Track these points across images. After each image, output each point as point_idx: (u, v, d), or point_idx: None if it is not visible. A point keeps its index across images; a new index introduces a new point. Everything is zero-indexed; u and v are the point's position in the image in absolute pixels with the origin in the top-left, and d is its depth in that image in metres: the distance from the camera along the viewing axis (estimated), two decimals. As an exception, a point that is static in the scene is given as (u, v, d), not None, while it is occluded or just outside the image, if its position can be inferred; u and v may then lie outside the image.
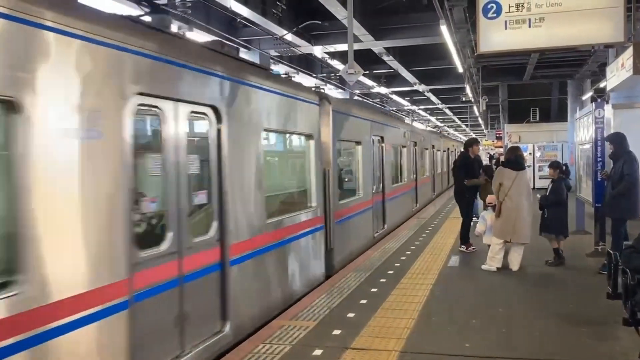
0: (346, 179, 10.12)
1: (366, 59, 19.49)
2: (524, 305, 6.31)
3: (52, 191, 3.23)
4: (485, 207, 8.66)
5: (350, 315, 5.89)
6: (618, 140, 7.77)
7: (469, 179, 9.46)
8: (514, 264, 7.94)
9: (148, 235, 4.27)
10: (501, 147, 28.58)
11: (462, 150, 10.59)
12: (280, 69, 18.48)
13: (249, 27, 14.75)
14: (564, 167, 8.77)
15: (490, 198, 8.45)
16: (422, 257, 9.07)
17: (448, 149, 27.75)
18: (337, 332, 5.34)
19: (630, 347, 4.79)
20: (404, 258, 8.97)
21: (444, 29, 11.59)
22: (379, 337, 5.16)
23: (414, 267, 8.24)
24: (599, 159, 9.10)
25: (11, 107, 3.00)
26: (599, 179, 8.90)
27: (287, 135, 7.57)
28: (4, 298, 2.92)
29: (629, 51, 8.18)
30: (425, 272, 7.94)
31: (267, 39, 16.00)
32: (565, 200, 8.42)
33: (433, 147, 21.05)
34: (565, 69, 21.08)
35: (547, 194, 8.46)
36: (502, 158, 12.55)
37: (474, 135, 56.70)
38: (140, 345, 3.88)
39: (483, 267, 8.06)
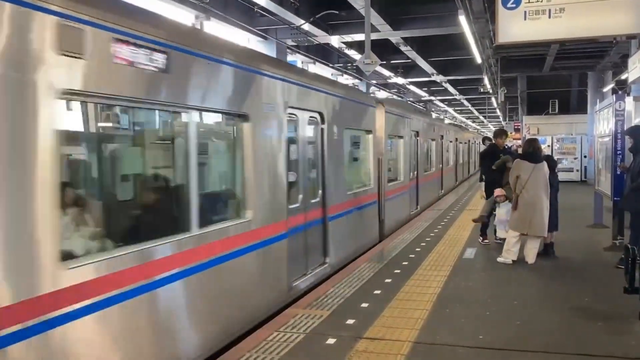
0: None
1: (383, 49, 19.40)
2: (539, 298, 6.28)
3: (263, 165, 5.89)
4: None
5: (364, 305, 5.91)
6: (638, 133, 7.66)
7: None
8: (530, 256, 7.89)
9: (291, 195, 6.52)
10: (519, 139, 28.30)
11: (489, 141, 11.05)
12: (296, 58, 18.51)
13: (266, 16, 14.74)
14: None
15: (498, 191, 8.39)
16: (437, 248, 9.06)
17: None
18: (350, 321, 5.36)
19: (647, 342, 4.77)
20: (418, 249, 8.97)
21: (462, 19, 11.49)
22: (393, 327, 5.17)
23: (428, 259, 8.24)
24: (618, 152, 8.98)
25: (244, 118, 5.49)
26: (618, 172, 8.80)
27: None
28: (244, 222, 5.43)
29: (652, 42, 8.05)
30: (440, 263, 7.93)
31: (284, 29, 15.99)
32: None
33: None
34: (585, 61, 20.77)
35: None
36: (519, 150, 12.43)
37: (492, 127, 56.31)
38: (291, 260, 6.37)
39: (499, 259, 8.03)
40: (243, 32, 14.95)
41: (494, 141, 9.93)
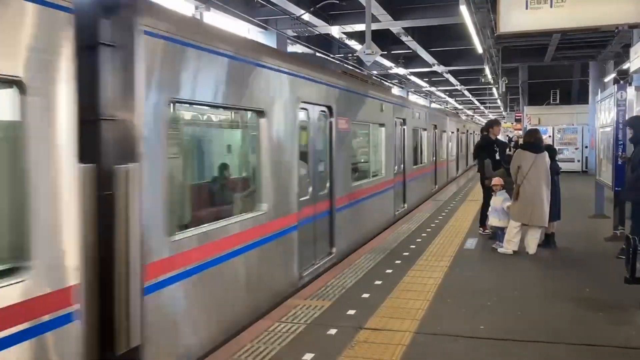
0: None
1: (384, 39, 19.31)
2: (540, 288, 6.29)
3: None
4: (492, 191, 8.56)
5: (365, 295, 5.92)
6: (638, 123, 7.64)
7: (490, 160, 9.34)
8: (531, 247, 7.90)
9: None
10: (520, 129, 28.24)
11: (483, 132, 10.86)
12: (297, 49, 18.45)
13: (266, 6, 14.67)
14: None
15: (496, 180, 8.37)
16: (438, 239, 9.06)
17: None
18: (351, 312, 5.38)
19: (647, 332, 4.78)
20: (419, 240, 8.97)
21: (463, 8, 11.40)
22: (394, 318, 5.18)
23: (429, 250, 8.24)
24: (620, 142, 8.96)
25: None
26: (619, 163, 8.78)
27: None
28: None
29: (654, 32, 8.00)
30: (440, 254, 7.93)
31: (285, 19, 15.92)
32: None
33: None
34: (587, 50, 20.65)
35: None
36: (520, 140, 12.40)
37: (492, 117, 56.17)
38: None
39: (499, 250, 8.04)
40: (243, 22, 14.89)
41: (487, 132, 9.86)
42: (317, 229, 7.39)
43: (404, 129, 12.66)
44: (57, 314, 3.22)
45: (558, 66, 24.26)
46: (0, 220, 3.20)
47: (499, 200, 8.24)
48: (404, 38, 19.17)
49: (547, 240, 8.31)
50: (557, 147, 22.30)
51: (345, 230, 8.43)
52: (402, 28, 18.01)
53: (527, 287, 6.31)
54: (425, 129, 15.56)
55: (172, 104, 4.39)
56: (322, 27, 16.94)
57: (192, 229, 4.64)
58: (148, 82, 4.02)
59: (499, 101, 38.83)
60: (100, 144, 3.73)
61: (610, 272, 6.57)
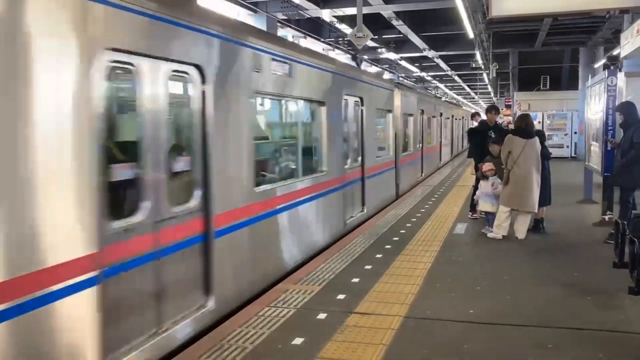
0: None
1: (375, 24, 19.16)
2: (529, 273, 6.31)
3: None
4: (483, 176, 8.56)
5: (355, 280, 5.92)
6: (628, 109, 7.68)
7: (483, 145, 9.34)
8: (520, 232, 7.92)
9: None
10: (510, 115, 28.29)
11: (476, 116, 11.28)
12: (287, 32, 18.28)
13: (256, -11, 14.49)
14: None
15: (487, 166, 8.36)
16: (428, 224, 9.07)
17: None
18: (341, 296, 5.37)
19: (636, 316, 4.81)
20: (409, 225, 8.97)
21: (455, -8, 11.34)
22: (383, 302, 5.18)
23: (419, 234, 8.25)
24: (609, 128, 8.98)
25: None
26: (608, 148, 8.81)
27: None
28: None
29: (645, 17, 7.98)
30: (430, 239, 7.94)
31: (275, 2, 15.75)
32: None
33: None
34: (577, 36, 20.67)
35: None
36: (510, 126, 12.44)
37: (482, 103, 56.30)
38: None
39: (489, 235, 8.06)
40: (233, 5, 14.69)
41: (483, 117, 9.89)
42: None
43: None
44: None
45: (548, 52, 24.26)
46: None
47: (489, 185, 8.25)
48: (395, 22, 19.04)
49: (537, 225, 8.35)
50: (546, 133, 22.37)
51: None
52: (393, 12, 17.87)
53: (517, 271, 6.34)
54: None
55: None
56: (312, 10, 16.76)
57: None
58: None
59: (489, 87, 38.83)
60: None
61: (599, 256, 6.62)
